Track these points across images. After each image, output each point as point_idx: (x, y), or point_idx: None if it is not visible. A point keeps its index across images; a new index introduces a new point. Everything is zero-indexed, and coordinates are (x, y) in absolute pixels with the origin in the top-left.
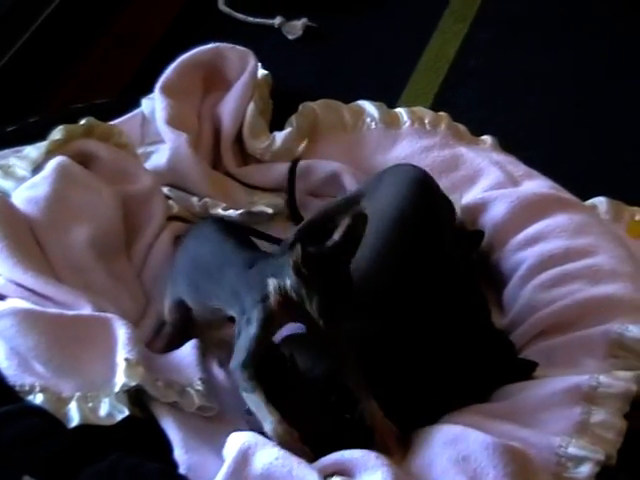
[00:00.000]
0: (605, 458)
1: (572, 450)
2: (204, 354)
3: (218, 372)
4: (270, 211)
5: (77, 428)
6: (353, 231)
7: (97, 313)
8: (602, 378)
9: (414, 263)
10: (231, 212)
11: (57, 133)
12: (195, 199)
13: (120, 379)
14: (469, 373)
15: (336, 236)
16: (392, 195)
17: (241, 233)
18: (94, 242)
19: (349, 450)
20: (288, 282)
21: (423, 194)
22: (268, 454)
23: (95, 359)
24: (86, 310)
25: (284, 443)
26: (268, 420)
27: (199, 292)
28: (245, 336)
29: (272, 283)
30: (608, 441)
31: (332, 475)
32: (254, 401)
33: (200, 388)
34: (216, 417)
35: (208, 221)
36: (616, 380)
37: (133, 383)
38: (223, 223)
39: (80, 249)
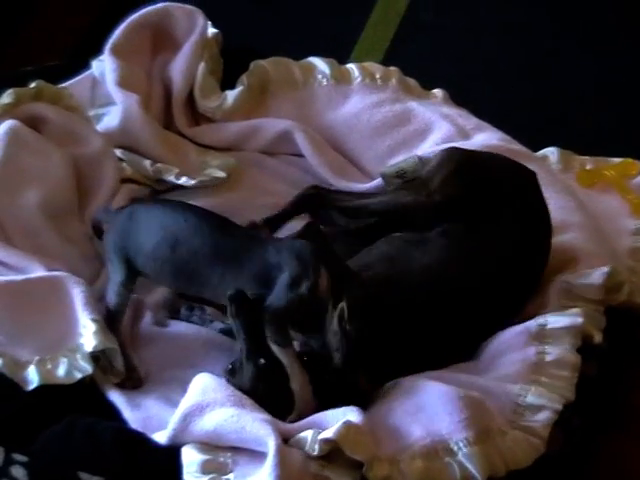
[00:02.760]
0: (562, 406)
1: (530, 399)
2: (138, 314)
3: (154, 330)
4: (223, 175)
5: (33, 392)
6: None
7: (47, 273)
8: (549, 317)
9: None
10: (184, 180)
11: (6, 97)
12: (148, 163)
13: (90, 340)
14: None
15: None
16: None
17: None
18: (45, 205)
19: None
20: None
21: None
22: (224, 412)
23: (51, 320)
24: (39, 273)
25: (304, 404)
26: (298, 378)
27: (190, 281)
28: (287, 290)
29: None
30: (565, 379)
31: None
32: (287, 355)
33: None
34: (153, 376)
35: (186, 212)
36: (563, 316)
37: (110, 346)
38: (200, 213)
39: (31, 213)
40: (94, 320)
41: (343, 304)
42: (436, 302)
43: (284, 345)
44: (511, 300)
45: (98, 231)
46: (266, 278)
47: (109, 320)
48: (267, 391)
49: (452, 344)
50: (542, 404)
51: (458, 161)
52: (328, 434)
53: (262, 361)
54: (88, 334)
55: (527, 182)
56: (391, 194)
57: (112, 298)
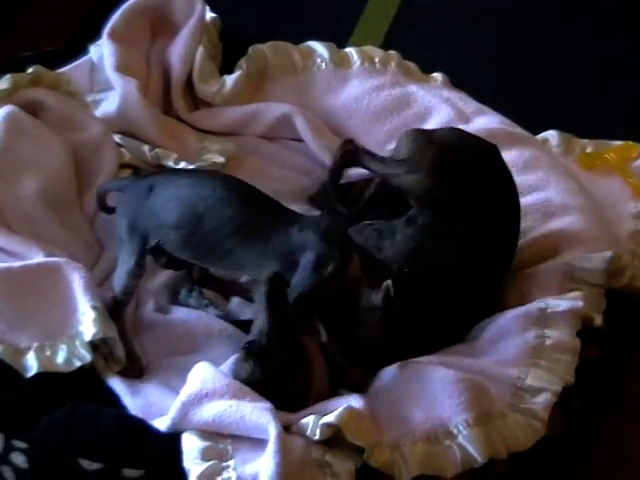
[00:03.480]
0: (562, 388)
1: (529, 381)
2: (139, 300)
3: (154, 318)
4: (222, 160)
5: (33, 379)
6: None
7: (46, 259)
8: (550, 300)
9: None
10: (183, 165)
11: (4, 82)
12: (147, 148)
13: (89, 328)
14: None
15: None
16: None
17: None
18: (44, 192)
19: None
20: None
21: None
22: (223, 403)
23: (50, 307)
24: (38, 259)
25: (321, 395)
26: (320, 367)
27: (212, 254)
28: (312, 272)
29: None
30: (565, 362)
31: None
32: (309, 343)
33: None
34: (154, 363)
35: (215, 182)
36: (563, 300)
37: (110, 334)
38: (230, 183)
39: (30, 199)
40: (94, 307)
41: (389, 282)
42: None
43: (308, 332)
44: (489, 280)
45: (103, 205)
46: (291, 257)
47: (114, 306)
48: (282, 379)
49: (434, 332)
50: (541, 386)
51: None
52: (330, 418)
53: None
54: (87, 322)
55: (489, 157)
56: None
57: (122, 281)
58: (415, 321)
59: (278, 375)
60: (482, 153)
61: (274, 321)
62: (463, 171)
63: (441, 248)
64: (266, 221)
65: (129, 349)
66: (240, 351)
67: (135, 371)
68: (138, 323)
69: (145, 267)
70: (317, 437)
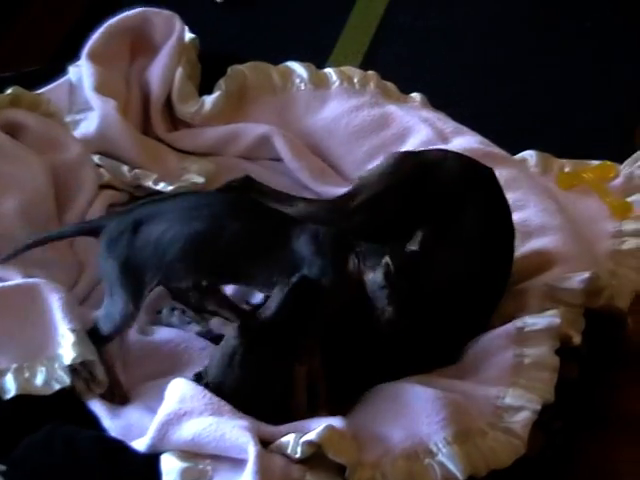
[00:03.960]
0: (541, 407)
1: (509, 400)
2: None
3: (136, 339)
4: (201, 180)
5: (11, 400)
6: None
7: (23, 281)
8: (527, 318)
9: None
10: (163, 185)
11: None
12: (126, 168)
13: (69, 352)
14: None
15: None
16: None
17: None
18: (23, 212)
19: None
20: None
21: None
22: (202, 422)
23: (28, 328)
24: (16, 280)
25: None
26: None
27: (221, 269)
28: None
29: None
30: (544, 380)
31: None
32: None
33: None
34: (135, 385)
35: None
36: (541, 318)
37: (89, 358)
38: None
39: (9, 220)
40: (73, 330)
41: (387, 258)
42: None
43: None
44: (482, 302)
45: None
46: (293, 267)
47: (99, 339)
48: (264, 383)
49: (425, 350)
50: (521, 405)
51: (403, 169)
52: (311, 436)
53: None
54: (67, 345)
55: (484, 179)
56: (313, 205)
57: (115, 322)
58: (412, 335)
59: (259, 377)
60: (471, 170)
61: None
62: (446, 187)
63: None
64: (268, 231)
65: (112, 377)
66: (237, 330)
67: (119, 398)
68: (121, 345)
69: (141, 307)
70: (298, 455)
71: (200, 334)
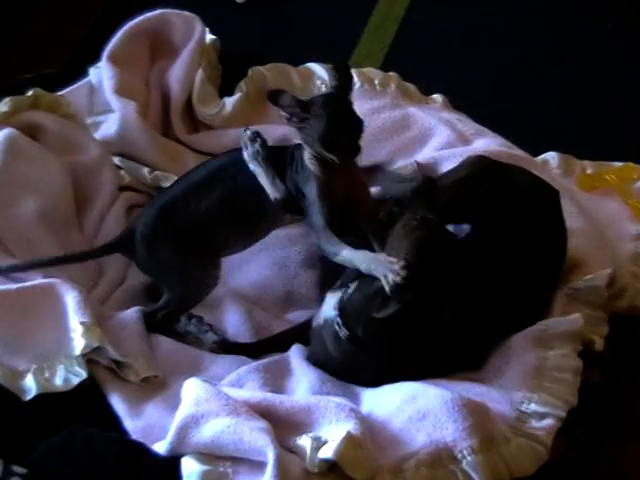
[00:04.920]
0: (566, 413)
1: (534, 406)
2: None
3: (162, 338)
4: None
5: (32, 402)
6: None
7: (40, 281)
8: (549, 321)
9: None
10: None
11: (3, 105)
12: (146, 170)
13: (79, 343)
14: None
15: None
16: None
17: None
18: (43, 214)
19: (326, 397)
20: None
21: None
22: (220, 423)
23: (46, 328)
24: (34, 281)
25: (374, 262)
26: (361, 259)
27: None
28: (312, 215)
29: (306, 155)
30: (567, 382)
31: (300, 434)
32: (347, 257)
33: (144, 360)
34: (158, 382)
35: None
36: (562, 321)
37: (95, 344)
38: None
39: (29, 222)
40: (82, 323)
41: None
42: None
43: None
44: (520, 316)
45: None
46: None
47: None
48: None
49: (461, 355)
50: (546, 412)
51: (474, 168)
52: (327, 453)
53: None
54: (77, 337)
55: (546, 199)
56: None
57: (200, 297)
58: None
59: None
60: (536, 188)
61: None
62: (509, 197)
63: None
64: None
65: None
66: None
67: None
68: (150, 342)
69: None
70: (316, 470)
71: (215, 342)
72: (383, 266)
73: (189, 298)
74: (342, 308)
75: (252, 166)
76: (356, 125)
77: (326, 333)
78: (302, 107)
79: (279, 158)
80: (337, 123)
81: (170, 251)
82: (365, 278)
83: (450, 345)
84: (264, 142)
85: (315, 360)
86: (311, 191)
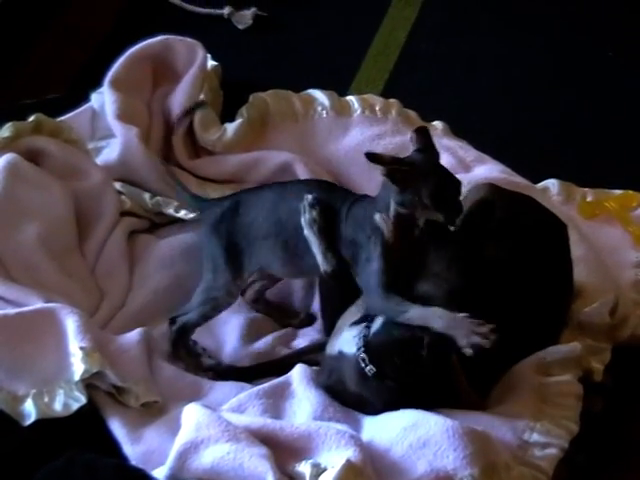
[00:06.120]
0: (568, 442)
1: (536, 436)
2: (149, 344)
3: (162, 362)
4: None
5: (32, 426)
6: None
7: (40, 306)
8: (549, 349)
9: None
10: (184, 213)
11: (5, 130)
12: (147, 196)
13: (79, 367)
14: None
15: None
16: None
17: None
18: (45, 239)
19: (326, 424)
20: (393, 204)
21: None
22: (220, 449)
23: (46, 353)
24: (34, 305)
25: (456, 321)
26: (437, 317)
27: (289, 252)
28: (369, 273)
29: (378, 216)
30: (569, 408)
31: (300, 461)
32: (417, 315)
33: (144, 385)
34: (158, 407)
35: (273, 187)
36: (562, 348)
37: (95, 369)
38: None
39: (31, 247)
40: (82, 348)
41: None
42: None
43: (408, 310)
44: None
45: None
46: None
47: (182, 331)
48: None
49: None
50: (548, 441)
51: (484, 195)
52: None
53: None
54: (77, 362)
55: (554, 232)
56: None
57: (215, 298)
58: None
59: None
60: (544, 220)
61: None
62: (516, 227)
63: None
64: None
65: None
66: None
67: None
68: (151, 366)
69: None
70: None
71: (211, 365)
72: (466, 328)
73: (208, 302)
74: (367, 344)
75: (307, 232)
76: (457, 186)
77: (345, 367)
78: (405, 165)
79: (331, 215)
80: (445, 182)
81: (219, 239)
82: None
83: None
84: (323, 210)
85: (330, 390)
86: (374, 249)
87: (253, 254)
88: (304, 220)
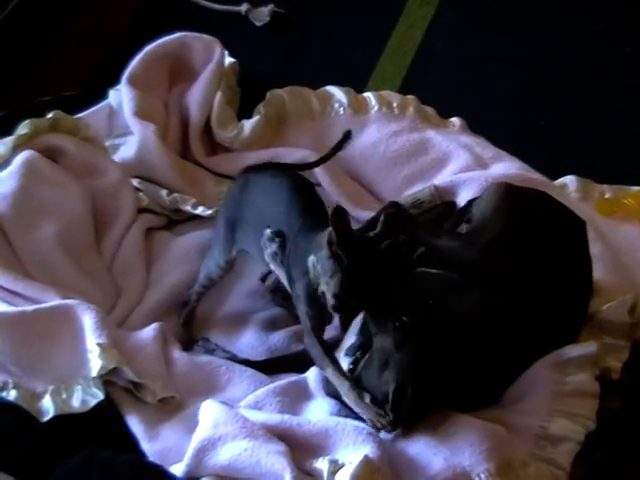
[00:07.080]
0: (584, 437)
1: (552, 430)
2: (165, 339)
3: (179, 357)
4: None
5: (50, 423)
6: (390, 229)
7: (57, 302)
8: (566, 348)
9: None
10: (201, 210)
11: (24, 128)
12: (164, 193)
13: (96, 364)
14: None
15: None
16: None
17: (309, 193)
18: (63, 237)
19: (344, 420)
20: (318, 256)
21: None
22: (237, 446)
23: (63, 349)
24: (51, 302)
25: (359, 406)
26: (345, 387)
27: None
28: (300, 312)
29: (311, 260)
30: (586, 407)
31: (318, 458)
32: (332, 379)
33: (161, 381)
34: (175, 403)
35: (277, 178)
36: (578, 347)
37: (112, 365)
38: (292, 180)
39: (48, 245)
40: (99, 344)
41: (330, 229)
42: (474, 352)
43: (326, 367)
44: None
45: None
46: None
47: (187, 300)
48: None
49: (484, 390)
50: (564, 435)
51: (501, 196)
52: (344, 477)
53: None
54: (94, 358)
55: (573, 230)
56: (454, 240)
57: (209, 271)
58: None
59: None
60: (563, 217)
61: None
62: (537, 225)
63: (507, 312)
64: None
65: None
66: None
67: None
68: (167, 361)
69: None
70: None
71: (227, 359)
72: (371, 414)
73: (204, 270)
74: (357, 379)
75: (272, 266)
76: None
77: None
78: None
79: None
80: (355, 281)
81: (226, 210)
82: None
83: (473, 382)
84: (283, 242)
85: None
86: (302, 290)
87: (240, 233)
88: (266, 255)
